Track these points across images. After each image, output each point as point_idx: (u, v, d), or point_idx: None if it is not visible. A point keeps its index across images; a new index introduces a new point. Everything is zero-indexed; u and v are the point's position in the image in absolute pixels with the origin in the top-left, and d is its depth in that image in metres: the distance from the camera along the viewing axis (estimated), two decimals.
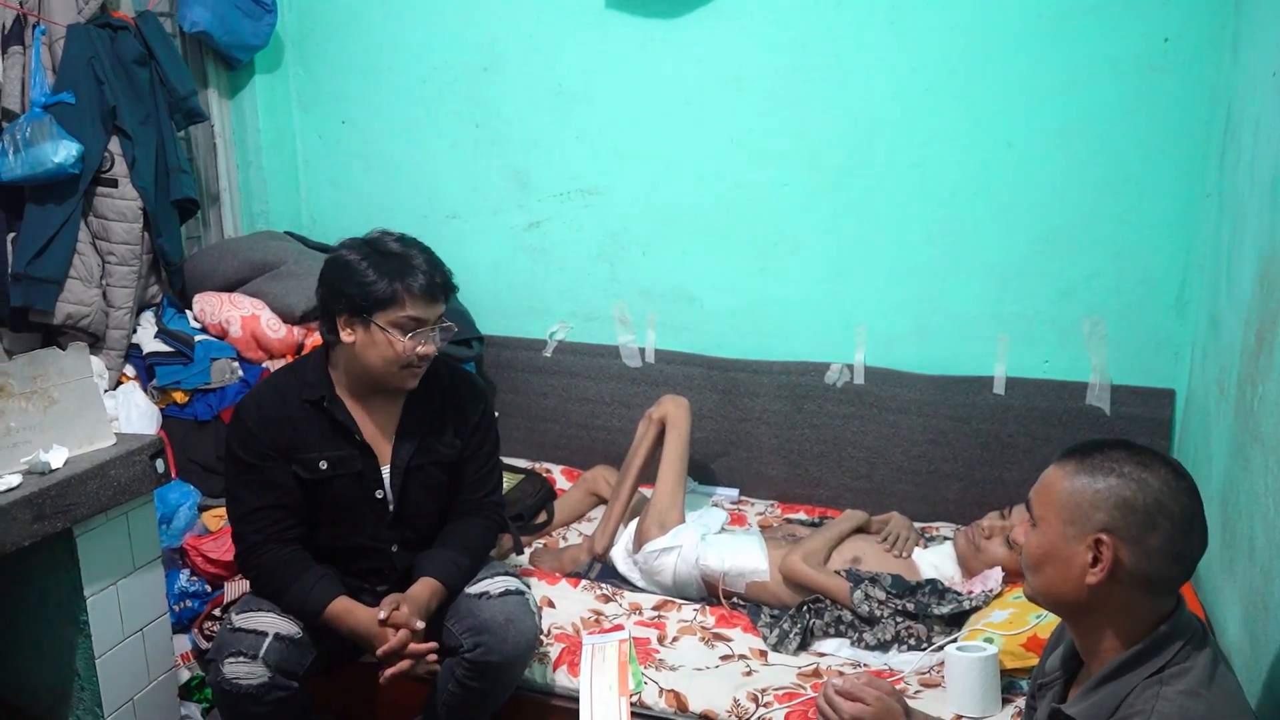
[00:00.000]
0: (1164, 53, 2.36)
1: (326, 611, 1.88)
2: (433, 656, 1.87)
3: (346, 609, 1.89)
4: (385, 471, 2.00)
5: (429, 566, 1.98)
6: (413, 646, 1.85)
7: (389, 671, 1.84)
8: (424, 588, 1.93)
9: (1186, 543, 1.19)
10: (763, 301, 2.88)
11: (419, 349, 1.89)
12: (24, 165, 2.28)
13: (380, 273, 1.87)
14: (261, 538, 1.92)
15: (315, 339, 2.69)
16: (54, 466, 1.80)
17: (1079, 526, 1.21)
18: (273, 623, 1.87)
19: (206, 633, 2.33)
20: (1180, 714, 1.15)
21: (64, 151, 2.30)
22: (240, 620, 1.87)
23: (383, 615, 1.84)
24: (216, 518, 2.46)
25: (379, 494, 1.99)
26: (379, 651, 1.83)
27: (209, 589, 2.38)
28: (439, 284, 1.91)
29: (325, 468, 1.94)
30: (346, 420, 1.95)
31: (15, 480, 1.74)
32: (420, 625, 1.86)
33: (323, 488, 1.95)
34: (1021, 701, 1.90)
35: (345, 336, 1.91)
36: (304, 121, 3.26)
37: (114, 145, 2.48)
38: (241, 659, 1.80)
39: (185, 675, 2.27)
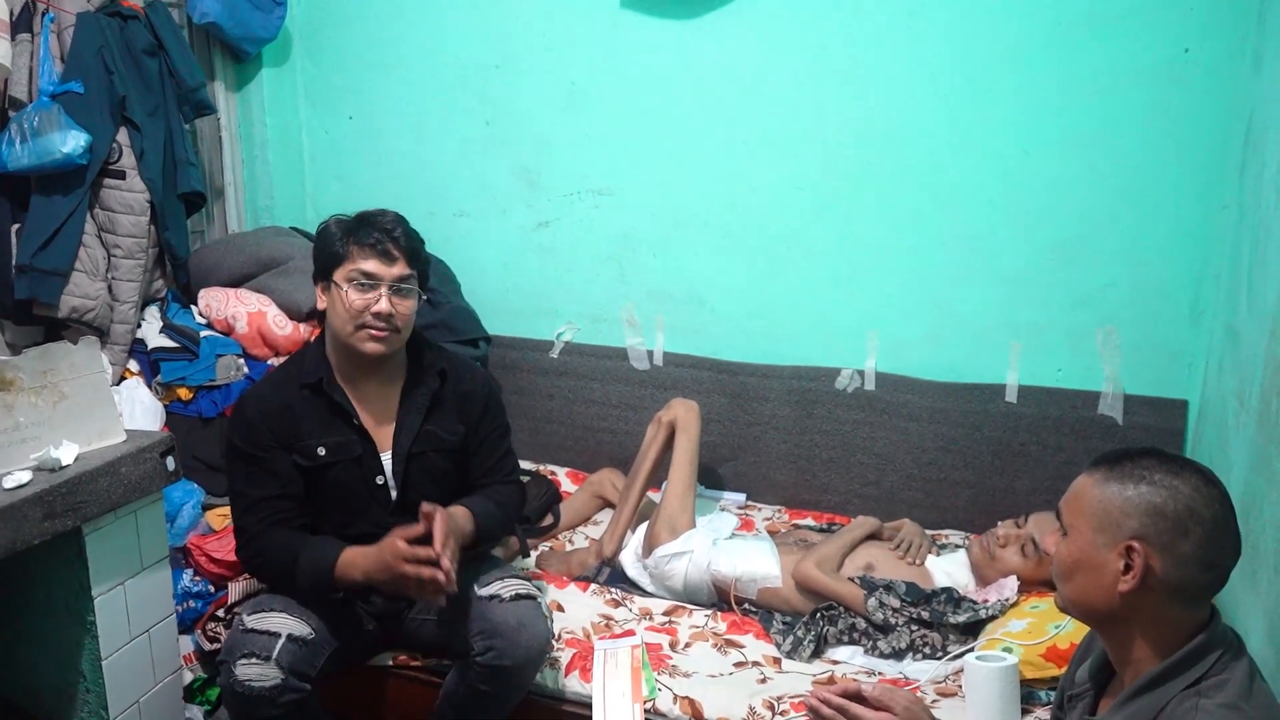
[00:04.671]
0: (1184, 63, 2.35)
1: (340, 560, 1.84)
2: (443, 577, 1.78)
3: (357, 551, 1.85)
4: (386, 458, 1.98)
5: (461, 503, 1.96)
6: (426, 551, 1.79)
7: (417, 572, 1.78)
8: (458, 510, 1.92)
9: (1218, 550, 1.18)
10: (773, 305, 2.86)
11: (372, 306, 1.87)
12: (31, 155, 2.24)
13: (342, 232, 1.92)
14: (263, 526, 1.90)
15: None
16: (64, 463, 1.77)
17: (1110, 534, 1.20)
18: (285, 623, 1.84)
19: (210, 634, 2.30)
20: None
21: (72, 142, 2.26)
22: (252, 621, 1.85)
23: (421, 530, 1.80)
24: (221, 517, 2.42)
25: (379, 480, 1.97)
26: (400, 552, 1.77)
27: (212, 589, 2.34)
28: (396, 240, 1.91)
29: (324, 454, 1.92)
30: (344, 403, 1.94)
31: (25, 477, 1.71)
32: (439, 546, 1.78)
33: (323, 475, 1.94)
34: (1041, 712, 1.89)
35: (320, 304, 1.96)
36: (310, 116, 3.23)
37: (122, 136, 2.44)
38: (254, 660, 1.78)
39: (188, 677, 2.23)
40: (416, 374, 2.02)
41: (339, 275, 1.89)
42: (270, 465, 1.91)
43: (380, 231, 1.90)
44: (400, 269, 1.91)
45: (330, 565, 1.85)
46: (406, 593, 1.85)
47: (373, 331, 1.89)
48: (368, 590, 1.92)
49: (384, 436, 1.97)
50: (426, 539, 1.80)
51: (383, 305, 1.88)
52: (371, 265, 1.88)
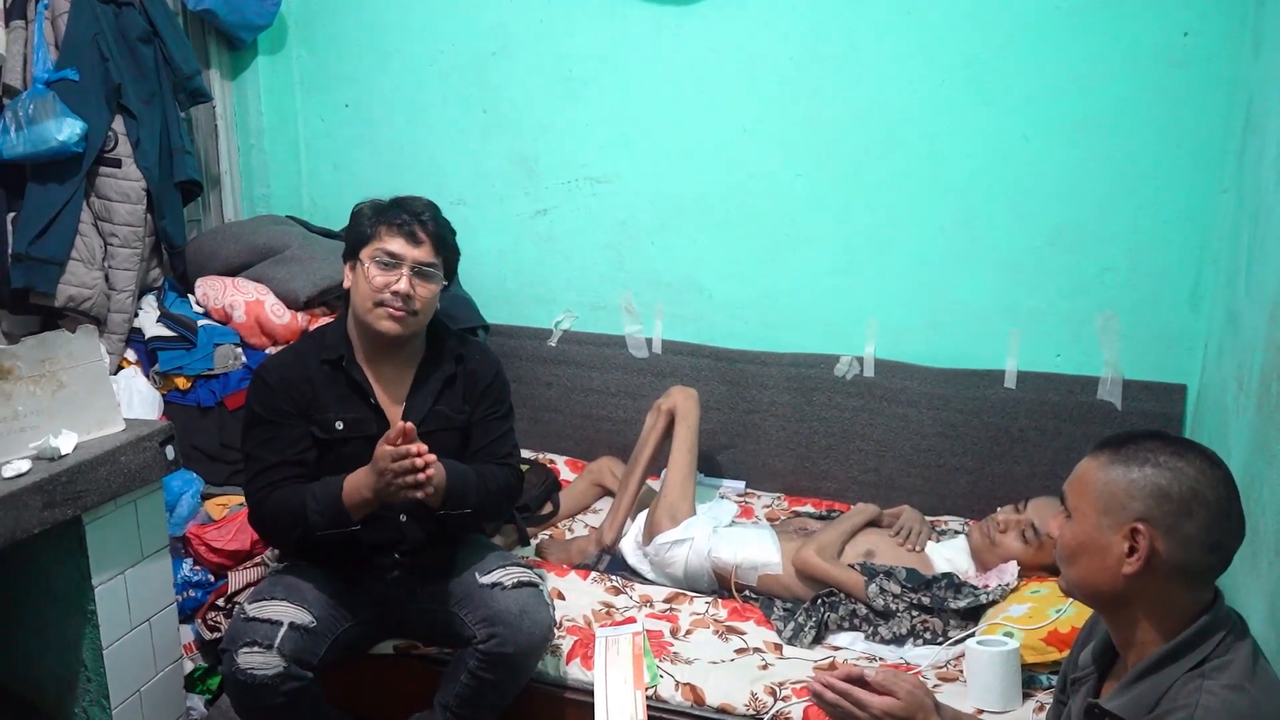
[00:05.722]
0: (1183, 47, 2.35)
1: (346, 483, 1.84)
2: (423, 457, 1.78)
3: (358, 472, 1.85)
4: None
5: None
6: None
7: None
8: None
9: (1223, 531, 1.18)
10: (772, 292, 2.86)
11: (392, 285, 1.89)
12: (26, 143, 2.23)
13: (373, 212, 1.97)
14: (273, 489, 1.89)
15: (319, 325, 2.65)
16: (64, 452, 1.77)
17: (1115, 516, 1.20)
18: (287, 612, 1.84)
19: (210, 623, 2.29)
20: (1225, 709, 1.13)
21: (68, 129, 2.25)
22: (254, 609, 1.85)
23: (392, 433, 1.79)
24: (220, 506, 2.42)
25: None
26: (390, 438, 1.77)
27: (212, 579, 2.34)
28: (424, 224, 1.94)
29: (341, 428, 1.94)
30: (363, 381, 1.96)
31: (24, 466, 1.71)
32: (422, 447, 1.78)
33: (337, 450, 1.94)
34: (1042, 696, 1.90)
35: (346, 282, 1.98)
36: (307, 104, 3.21)
37: (118, 124, 2.43)
38: (256, 649, 1.78)
39: (189, 666, 2.23)
40: (434, 357, 2.03)
41: (365, 253, 1.92)
42: (285, 432, 1.92)
43: (410, 214, 1.94)
44: (424, 253, 1.93)
45: (338, 491, 1.85)
46: (396, 495, 1.81)
47: (391, 310, 1.90)
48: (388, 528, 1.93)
49: (398, 416, 1.97)
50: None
51: (402, 285, 1.89)
52: (396, 245, 1.91)
